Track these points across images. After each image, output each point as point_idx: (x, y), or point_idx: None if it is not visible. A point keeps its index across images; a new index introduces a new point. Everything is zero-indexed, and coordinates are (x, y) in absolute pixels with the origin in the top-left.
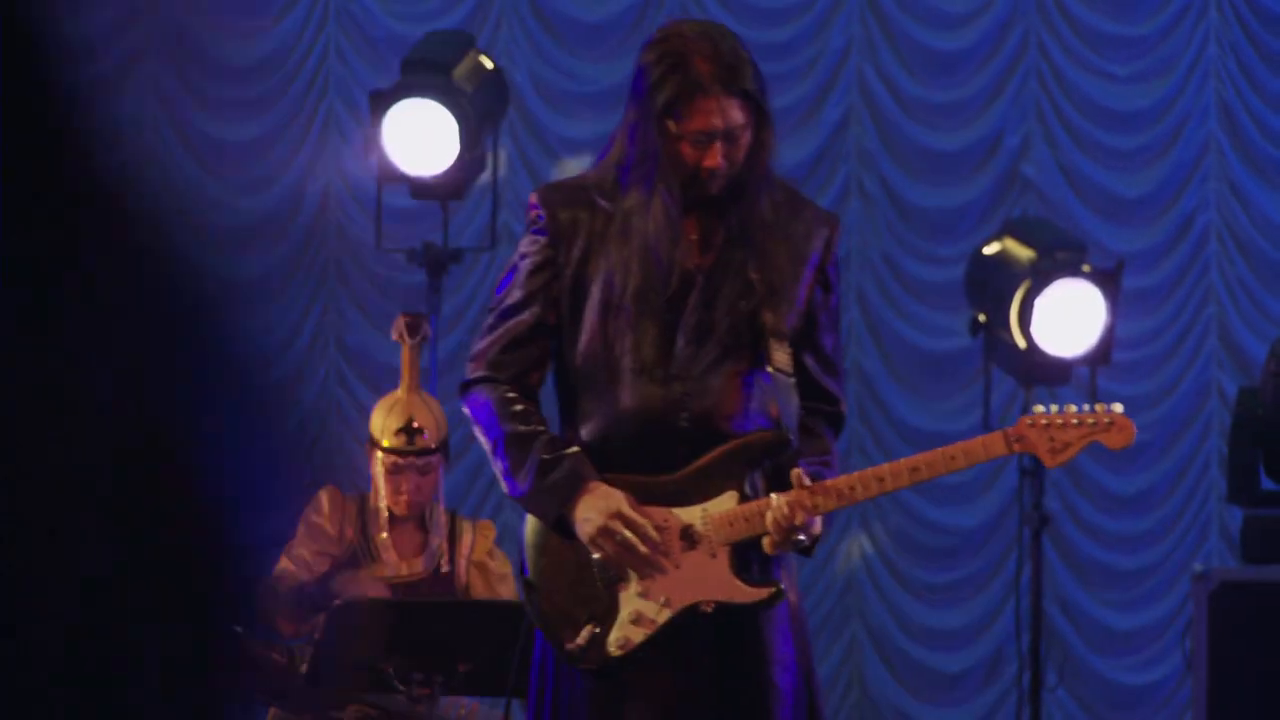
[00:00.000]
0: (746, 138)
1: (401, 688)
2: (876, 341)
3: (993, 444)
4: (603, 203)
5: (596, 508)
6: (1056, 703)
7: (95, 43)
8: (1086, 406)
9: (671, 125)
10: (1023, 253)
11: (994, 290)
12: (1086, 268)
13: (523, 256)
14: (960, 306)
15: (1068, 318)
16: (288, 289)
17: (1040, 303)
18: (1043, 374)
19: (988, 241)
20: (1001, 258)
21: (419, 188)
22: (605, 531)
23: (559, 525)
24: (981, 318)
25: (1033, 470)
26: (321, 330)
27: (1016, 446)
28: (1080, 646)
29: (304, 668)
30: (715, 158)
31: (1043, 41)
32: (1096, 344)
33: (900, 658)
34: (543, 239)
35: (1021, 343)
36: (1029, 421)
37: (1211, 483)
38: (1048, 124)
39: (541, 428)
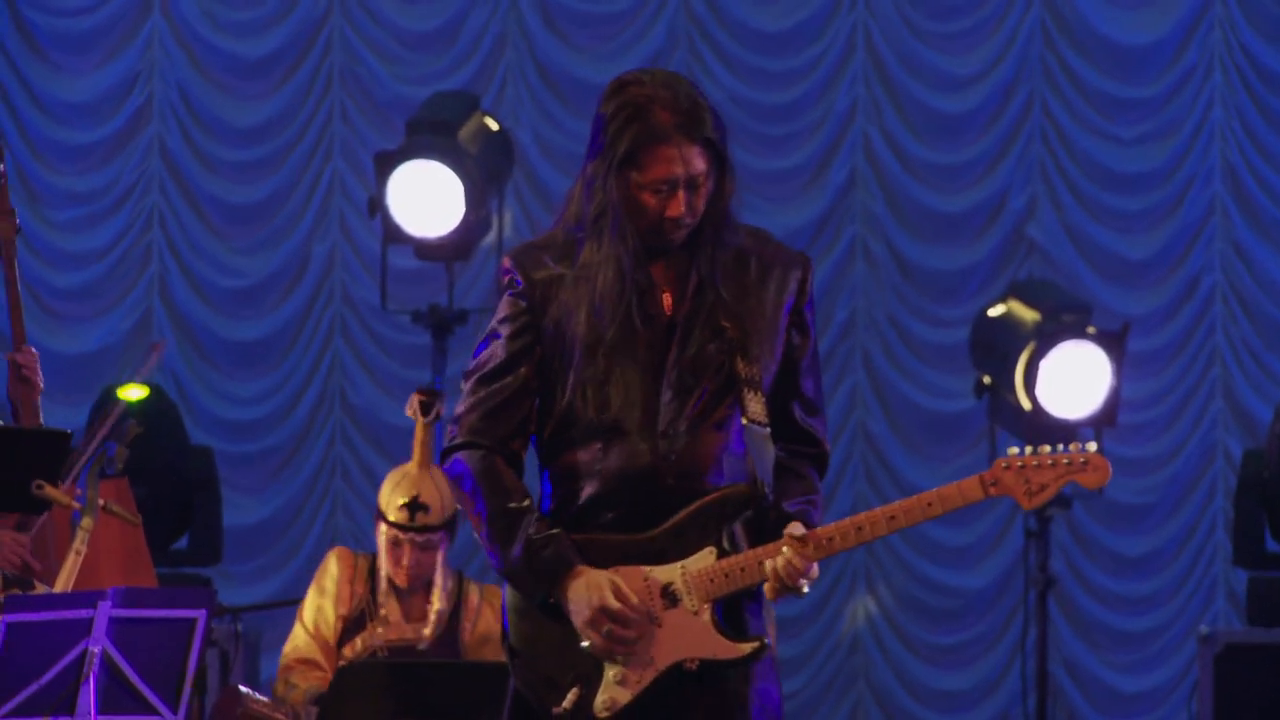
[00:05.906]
0: (709, 186)
1: None
2: (881, 403)
3: (969, 489)
4: (557, 265)
5: (583, 599)
6: None
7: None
8: (1061, 446)
9: (633, 175)
10: (1028, 315)
11: (999, 352)
12: (1091, 330)
13: (502, 320)
14: (965, 368)
15: (1073, 380)
16: (293, 350)
17: (1045, 365)
18: (1048, 436)
19: (993, 303)
20: (1006, 320)
21: (424, 249)
22: (592, 625)
23: (543, 605)
24: (986, 380)
25: (1038, 532)
26: (327, 391)
27: (993, 490)
28: (1086, 709)
29: None
30: (678, 207)
31: (1047, 103)
32: (1102, 406)
33: None
34: (523, 303)
35: (1026, 405)
36: (1004, 464)
37: (1217, 545)
38: (1053, 186)
39: (528, 501)
